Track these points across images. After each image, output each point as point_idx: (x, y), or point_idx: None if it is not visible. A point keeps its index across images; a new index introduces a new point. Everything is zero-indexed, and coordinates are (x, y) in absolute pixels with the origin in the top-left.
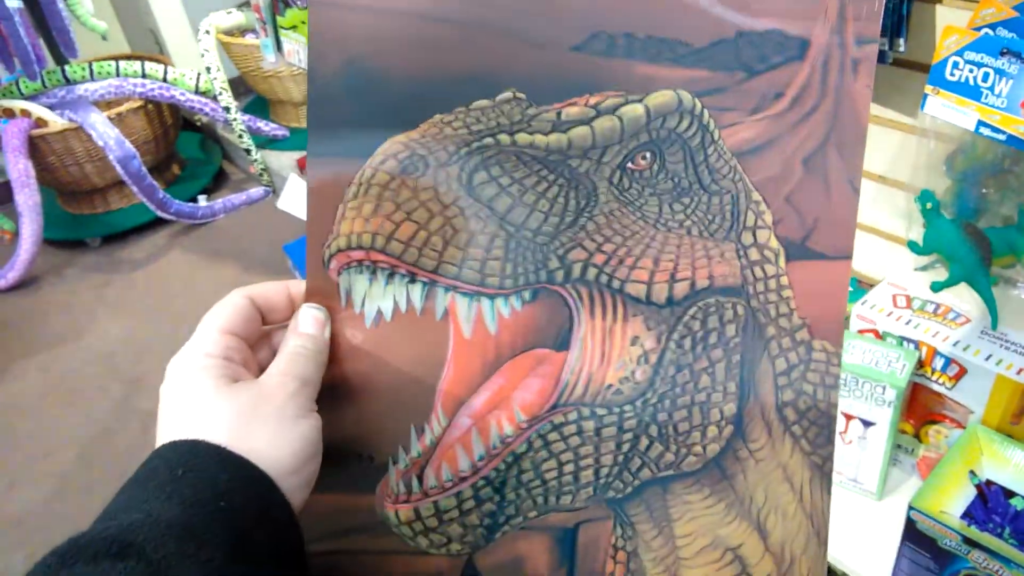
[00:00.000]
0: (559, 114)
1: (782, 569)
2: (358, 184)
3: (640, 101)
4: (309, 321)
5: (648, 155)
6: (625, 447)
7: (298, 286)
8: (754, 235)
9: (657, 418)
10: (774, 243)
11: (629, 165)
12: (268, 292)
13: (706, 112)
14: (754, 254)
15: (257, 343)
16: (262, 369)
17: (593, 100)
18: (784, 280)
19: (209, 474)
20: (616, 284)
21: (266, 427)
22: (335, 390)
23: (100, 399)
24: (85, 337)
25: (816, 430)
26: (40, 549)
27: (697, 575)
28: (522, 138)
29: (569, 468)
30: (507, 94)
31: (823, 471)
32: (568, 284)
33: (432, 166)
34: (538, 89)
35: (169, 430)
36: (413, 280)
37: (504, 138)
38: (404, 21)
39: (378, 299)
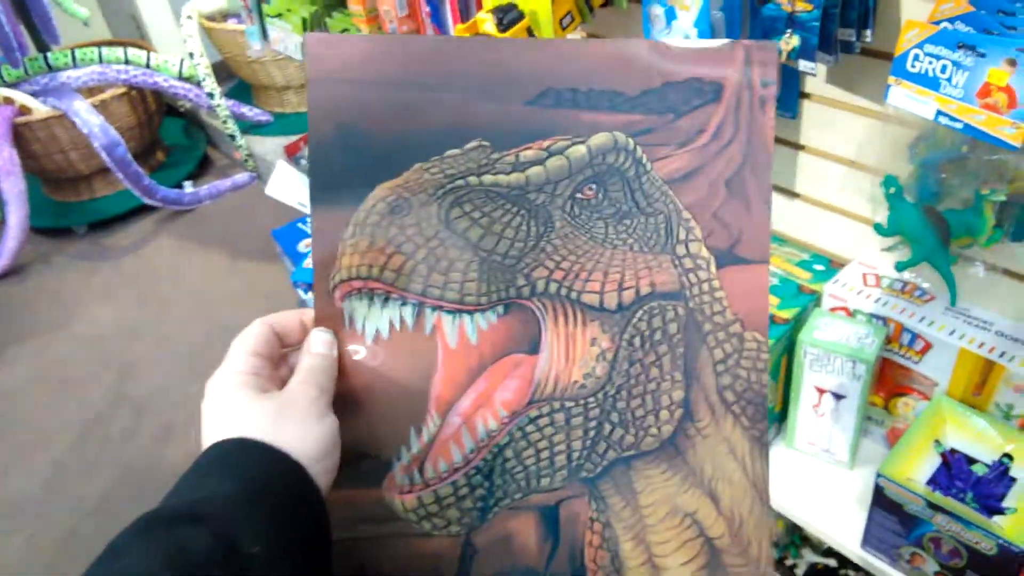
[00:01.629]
0: (517, 157)
1: (733, 529)
2: (355, 225)
3: (583, 142)
4: (319, 343)
5: (594, 186)
6: (591, 433)
7: (309, 314)
8: (687, 247)
9: (616, 406)
10: (705, 253)
11: (578, 195)
12: (284, 320)
13: (639, 148)
14: (688, 263)
15: (277, 362)
16: (283, 384)
17: (546, 144)
18: (716, 283)
19: (255, 462)
20: (574, 295)
21: (294, 426)
22: (344, 400)
23: (92, 385)
24: (74, 324)
25: (752, 408)
26: (38, 533)
27: (662, 538)
28: (487, 179)
29: (545, 454)
30: (474, 143)
31: (761, 443)
32: (534, 297)
33: (415, 206)
34: (500, 137)
35: (214, 433)
36: (405, 302)
37: (473, 179)
38: (382, 89)
39: (376, 320)
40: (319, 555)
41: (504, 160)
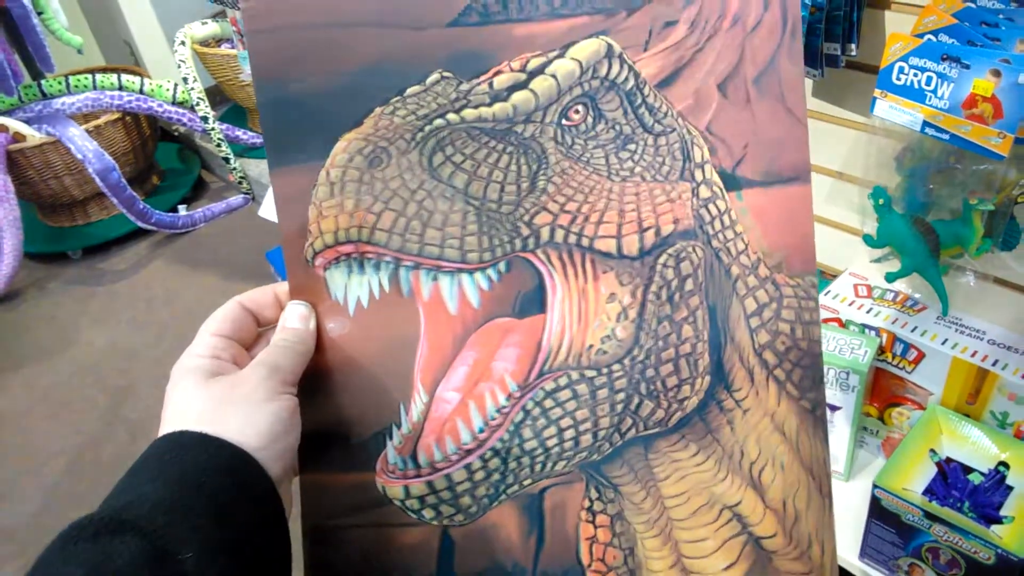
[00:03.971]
0: (491, 84)
1: (787, 526)
2: (329, 184)
3: (563, 56)
4: (293, 316)
5: (580, 108)
6: (619, 407)
7: (283, 287)
8: (703, 171)
9: (646, 374)
10: (717, 177)
11: (564, 122)
12: (256, 296)
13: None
14: (704, 191)
15: (254, 342)
16: None
17: (516, 64)
18: (734, 215)
19: (191, 456)
20: (585, 242)
21: (238, 411)
22: (330, 376)
23: (87, 410)
24: (70, 349)
25: (800, 372)
26: (32, 560)
27: (693, 536)
28: (469, 113)
29: (569, 433)
30: (435, 75)
31: (815, 416)
32: (539, 249)
33: (394, 155)
34: (458, 65)
35: (164, 426)
36: (397, 266)
37: (453, 116)
38: (328, 32)
39: (356, 288)
40: (272, 546)
41: (477, 90)
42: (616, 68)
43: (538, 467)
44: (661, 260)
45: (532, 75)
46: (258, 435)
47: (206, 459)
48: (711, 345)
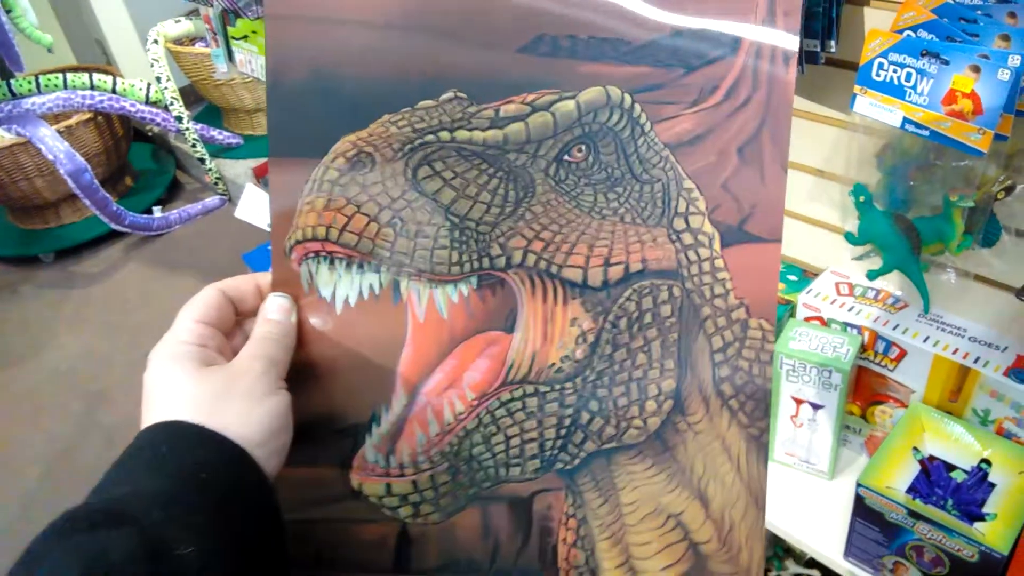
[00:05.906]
0: (497, 111)
1: (722, 534)
2: (313, 181)
3: (573, 98)
4: (275, 308)
5: (584, 147)
6: (567, 421)
7: (265, 278)
8: (686, 221)
9: (597, 393)
10: (708, 228)
11: (566, 157)
12: (238, 284)
13: (637, 106)
14: (687, 238)
15: (231, 332)
16: (235, 354)
17: (530, 98)
18: (719, 263)
19: (189, 450)
20: (554, 269)
21: (237, 405)
22: (305, 371)
23: (61, 416)
24: (43, 354)
25: (752, 404)
26: (7, 569)
27: (641, 539)
28: (461, 134)
29: (515, 442)
30: (449, 94)
31: (759, 442)
32: (510, 270)
33: (379, 162)
34: (482, 89)
35: (151, 413)
36: (377, 269)
37: (444, 135)
38: (355, 30)
39: (341, 286)
40: (267, 544)
41: (482, 115)
42: (616, 117)
43: (491, 471)
44: (626, 294)
45: (536, 110)
46: (257, 431)
47: (204, 454)
48: (675, 373)
